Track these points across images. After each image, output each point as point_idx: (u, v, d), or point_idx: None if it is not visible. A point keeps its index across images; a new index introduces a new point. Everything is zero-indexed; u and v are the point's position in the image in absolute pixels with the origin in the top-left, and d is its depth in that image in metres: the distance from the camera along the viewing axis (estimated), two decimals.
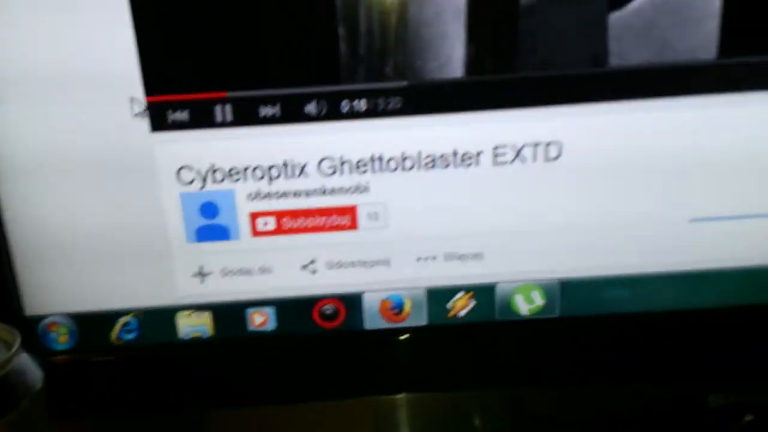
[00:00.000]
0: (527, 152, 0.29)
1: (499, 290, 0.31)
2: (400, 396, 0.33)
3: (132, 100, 0.28)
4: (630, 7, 0.27)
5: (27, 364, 0.22)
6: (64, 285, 0.30)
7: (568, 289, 0.31)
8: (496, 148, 0.29)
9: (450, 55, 0.27)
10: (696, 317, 0.31)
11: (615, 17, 0.27)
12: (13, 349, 0.22)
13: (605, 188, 0.29)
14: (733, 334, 0.32)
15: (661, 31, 0.27)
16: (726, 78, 0.28)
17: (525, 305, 0.31)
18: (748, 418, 0.33)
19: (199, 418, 0.33)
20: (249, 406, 0.32)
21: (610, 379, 0.33)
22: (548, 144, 0.29)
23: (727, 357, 0.32)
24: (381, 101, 0.28)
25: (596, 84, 0.28)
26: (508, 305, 0.31)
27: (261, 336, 0.31)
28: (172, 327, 0.31)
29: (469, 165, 0.29)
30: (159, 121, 0.28)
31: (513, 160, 0.29)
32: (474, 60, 0.27)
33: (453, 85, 0.28)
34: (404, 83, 0.28)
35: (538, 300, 0.31)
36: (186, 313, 0.31)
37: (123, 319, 0.31)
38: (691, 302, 0.31)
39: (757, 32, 0.27)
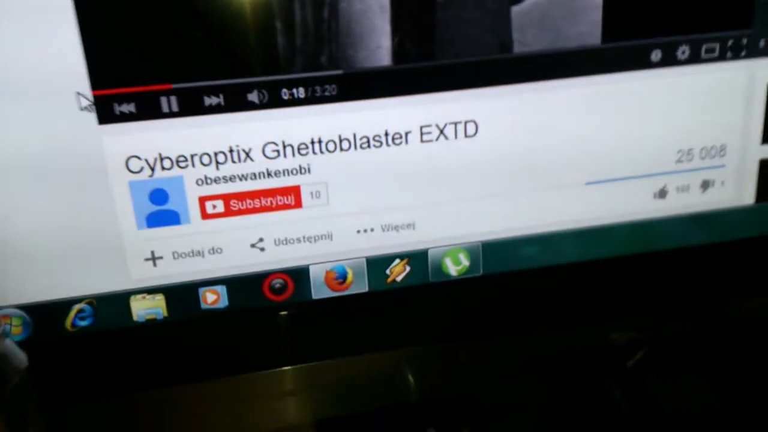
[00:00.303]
0: (449, 130, 0.33)
1: (431, 255, 0.35)
2: (351, 358, 0.36)
3: (78, 94, 0.29)
4: (528, 1, 0.31)
5: (12, 348, 0.23)
6: (14, 277, 0.30)
7: (488, 250, 0.35)
8: (422, 127, 0.32)
9: (378, 45, 0.31)
10: (595, 266, 0.36)
11: (516, 10, 0.31)
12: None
13: (517, 160, 0.34)
14: (627, 280, 0.38)
15: (555, 21, 0.32)
16: (610, 60, 0.33)
17: (454, 267, 0.35)
18: (642, 352, 0.39)
19: (159, 395, 0.34)
20: (205, 380, 0.34)
21: (530, 326, 0.37)
22: (466, 122, 0.33)
23: (624, 299, 0.38)
24: (318, 89, 0.31)
25: (504, 68, 0.32)
26: (439, 268, 0.35)
27: (214, 313, 0.33)
28: (126, 311, 0.32)
29: (400, 144, 0.32)
30: (106, 114, 0.29)
31: (437, 138, 0.33)
32: (399, 50, 0.31)
33: (382, 72, 0.31)
34: (339, 72, 0.31)
35: (465, 261, 0.35)
36: (140, 296, 0.32)
37: (77, 307, 0.32)
38: (590, 254, 0.36)
39: (633, 20, 0.32)
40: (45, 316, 0.31)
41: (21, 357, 0.24)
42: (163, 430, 0.35)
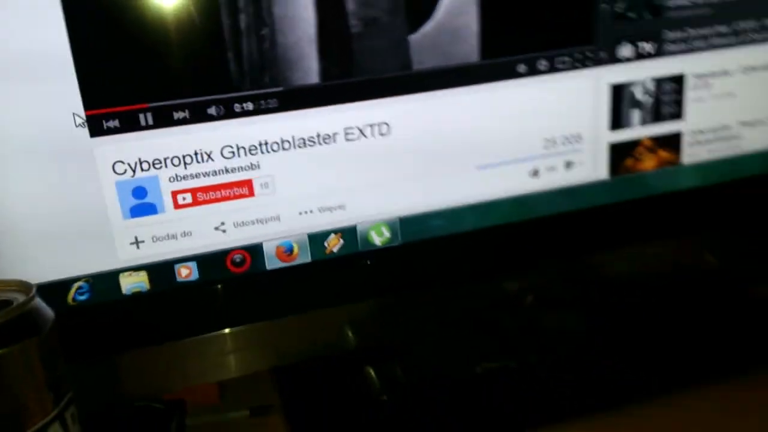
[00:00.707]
0: (367, 131, 0.42)
1: (359, 229, 0.44)
2: (300, 315, 0.45)
3: (74, 114, 0.37)
4: (422, 32, 0.41)
5: (41, 304, 0.31)
6: (26, 261, 0.38)
7: (405, 224, 0.45)
8: (346, 129, 0.42)
9: (309, 67, 0.40)
10: (491, 233, 0.46)
11: (413, 38, 0.41)
12: (32, 293, 0.31)
13: (422, 151, 0.43)
14: (516, 242, 0.48)
15: (443, 45, 0.41)
16: (486, 73, 0.43)
17: (378, 238, 0.45)
18: (530, 298, 0.49)
19: (143, 353, 0.42)
20: (181, 338, 0.42)
21: (443, 283, 0.47)
22: (380, 124, 0.42)
23: (515, 256, 0.48)
24: (263, 102, 0.40)
25: (406, 82, 0.42)
26: (366, 239, 0.44)
27: (187, 285, 0.41)
28: (116, 286, 0.40)
29: (329, 143, 0.42)
30: (96, 128, 0.37)
31: (358, 137, 0.42)
32: (325, 70, 0.40)
33: (312, 88, 0.40)
34: (279, 89, 0.39)
35: (386, 233, 0.45)
36: (127, 274, 0.40)
37: (76, 285, 0.39)
38: (484, 223, 0.46)
39: (502, 43, 0.43)
40: (50, 293, 0.38)
41: (49, 312, 0.31)
42: (145, 380, 0.43)
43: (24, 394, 0.31)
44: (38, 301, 0.31)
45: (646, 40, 0.46)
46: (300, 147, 0.41)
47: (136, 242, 0.40)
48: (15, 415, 0.30)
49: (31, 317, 0.31)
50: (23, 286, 0.32)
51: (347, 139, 0.42)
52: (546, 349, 0.48)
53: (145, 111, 0.38)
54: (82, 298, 0.40)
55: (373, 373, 0.46)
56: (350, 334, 0.47)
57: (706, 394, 0.43)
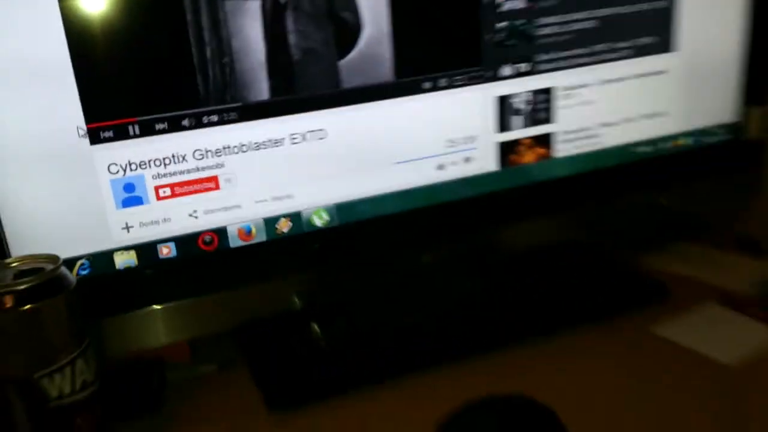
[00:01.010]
0: (308, 136, 0.54)
1: (304, 214, 0.56)
2: (260, 285, 0.56)
3: (78, 127, 0.47)
4: (348, 58, 0.53)
5: (66, 271, 0.41)
6: (40, 244, 0.48)
7: (340, 209, 0.57)
8: (291, 135, 0.53)
9: (261, 87, 0.51)
10: (408, 215, 0.59)
11: (341, 63, 0.53)
12: (59, 263, 0.41)
13: (352, 151, 0.56)
14: (427, 222, 0.60)
15: (365, 68, 0.54)
16: (399, 89, 0.56)
17: (319, 221, 0.56)
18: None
19: (130, 316, 0.52)
20: (160, 304, 0.53)
21: (370, 257, 0.59)
22: (318, 131, 0.54)
23: (427, 233, 0.61)
24: (225, 115, 0.51)
25: (338, 97, 0.54)
26: (309, 222, 0.56)
27: (168, 261, 0.52)
28: (111, 263, 0.50)
29: (278, 146, 0.53)
30: (95, 138, 0.47)
31: (301, 141, 0.54)
32: (273, 89, 0.52)
33: (264, 103, 0.52)
34: (238, 104, 0.51)
35: (326, 217, 0.57)
36: (119, 253, 0.51)
37: (79, 262, 0.49)
38: (402, 207, 0.59)
39: (411, 66, 0.55)
40: None
41: (71, 277, 0.42)
42: (130, 340, 0.53)
43: (55, 337, 0.41)
44: (63, 269, 0.42)
45: (522, 62, 0.60)
46: (255, 150, 0.52)
47: (127, 227, 0.50)
48: (49, 353, 0.41)
49: (59, 280, 0.41)
50: (52, 258, 0.42)
51: (292, 143, 0.54)
52: (447, 304, 0.62)
53: (133, 124, 0.48)
54: (84, 272, 0.50)
55: (317, 327, 0.58)
56: (298, 298, 0.58)
57: (572, 341, 0.57)
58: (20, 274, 0.41)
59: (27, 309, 0.39)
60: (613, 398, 0.49)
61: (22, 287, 0.39)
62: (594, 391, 0.50)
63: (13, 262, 0.42)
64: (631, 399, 0.49)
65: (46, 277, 0.40)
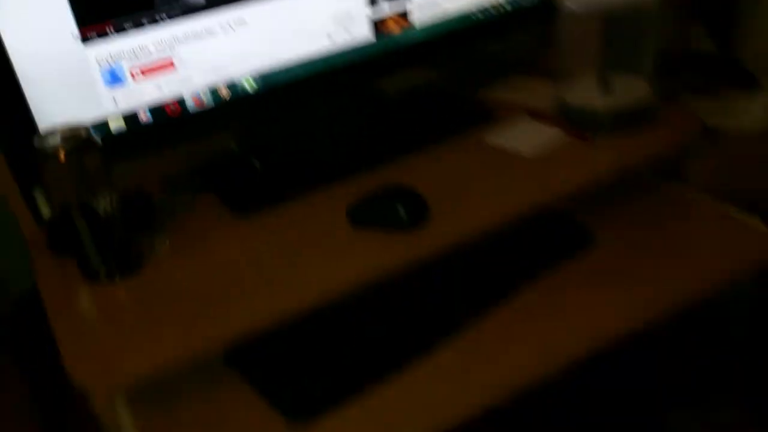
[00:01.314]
0: (234, 25, 0.75)
1: (237, 83, 0.78)
2: (208, 137, 0.79)
3: (72, 32, 0.66)
4: None
5: (93, 134, 0.63)
6: (58, 118, 0.68)
7: (262, 77, 0.79)
8: (221, 24, 0.74)
9: None
10: (313, 79, 0.82)
11: None
12: (88, 129, 0.63)
13: (267, 34, 0.77)
14: (326, 80, 0.84)
15: None
16: None
17: (248, 87, 0.79)
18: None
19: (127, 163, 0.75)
20: (145, 156, 0.75)
21: (288, 109, 0.83)
22: (241, 21, 0.75)
23: (325, 88, 0.85)
24: (173, 14, 0.71)
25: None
26: (244, 87, 0.79)
27: (146, 124, 0.74)
28: (107, 128, 0.72)
29: (214, 34, 0.74)
30: (85, 39, 0.67)
31: (230, 29, 0.75)
32: None
33: (200, 3, 0.72)
34: (181, 6, 0.71)
35: (254, 84, 0.79)
36: (112, 119, 0.72)
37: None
38: (308, 73, 0.82)
39: None
40: None
41: (96, 138, 0.64)
42: (126, 177, 0.76)
43: (94, 176, 0.63)
44: (91, 132, 0.63)
45: None
46: (198, 38, 0.73)
47: (114, 101, 0.71)
48: (92, 186, 0.63)
49: (90, 141, 0.63)
50: (81, 127, 0.63)
51: (222, 31, 0.75)
52: (347, 137, 0.88)
53: (109, 26, 0.68)
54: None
55: (255, 159, 0.83)
56: (236, 143, 0.82)
57: (430, 153, 0.84)
58: (64, 140, 0.62)
59: (74, 159, 0.61)
60: (458, 185, 0.78)
61: (70, 146, 0.61)
62: (445, 181, 0.79)
63: (57, 132, 0.63)
64: (471, 184, 0.78)
65: (82, 139, 0.62)
